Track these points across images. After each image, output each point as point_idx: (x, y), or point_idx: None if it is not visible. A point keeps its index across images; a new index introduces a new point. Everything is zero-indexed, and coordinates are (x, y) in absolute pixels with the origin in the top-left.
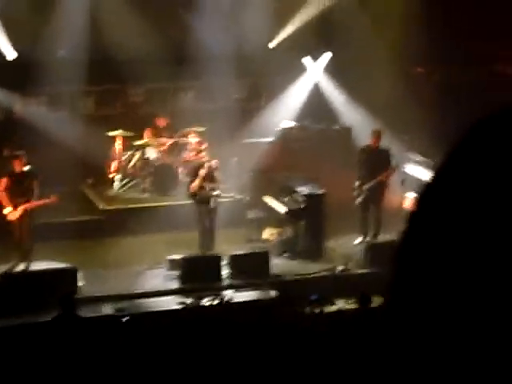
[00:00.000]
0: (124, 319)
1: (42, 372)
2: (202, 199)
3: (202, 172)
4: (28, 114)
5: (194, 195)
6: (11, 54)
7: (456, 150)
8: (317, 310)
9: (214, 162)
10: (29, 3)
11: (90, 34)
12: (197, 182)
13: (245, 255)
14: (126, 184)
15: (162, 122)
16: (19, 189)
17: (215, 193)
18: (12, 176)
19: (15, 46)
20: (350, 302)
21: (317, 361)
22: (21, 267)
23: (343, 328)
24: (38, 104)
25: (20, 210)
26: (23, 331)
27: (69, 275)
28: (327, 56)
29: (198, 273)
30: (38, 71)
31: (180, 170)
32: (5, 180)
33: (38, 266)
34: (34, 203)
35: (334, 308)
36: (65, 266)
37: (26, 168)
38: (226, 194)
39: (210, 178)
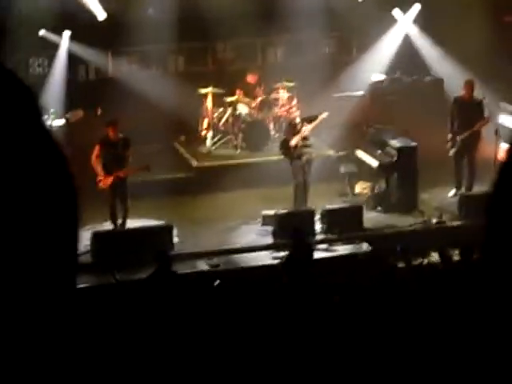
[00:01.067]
0: (216, 283)
1: (139, 328)
2: (296, 155)
3: (304, 130)
4: (120, 73)
5: (289, 151)
6: (102, 15)
7: None
8: (407, 263)
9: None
10: None
11: None
12: (297, 139)
13: (338, 209)
14: (217, 141)
15: (252, 79)
16: (113, 156)
17: (308, 149)
18: (106, 143)
19: (105, 6)
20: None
21: (413, 314)
22: (118, 225)
23: (441, 281)
24: (129, 63)
25: (112, 178)
26: (122, 288)
27: (165, 232)
28: (416, 7)
29: (291, 227)
30: (128, 31)
31: (271, 125)
32: (98, 147)
33: (134, 223)
34: (127, 171)
35: (430, 260)
36: (161, 223)
37: (120, 135)
38: (317, 150)
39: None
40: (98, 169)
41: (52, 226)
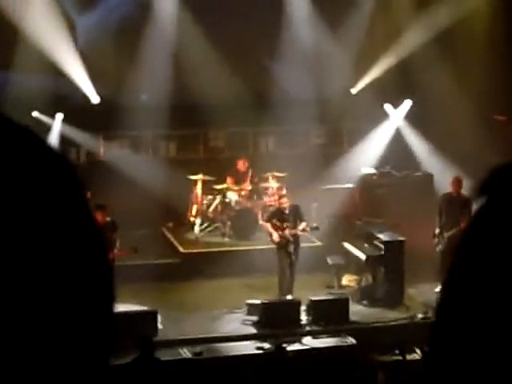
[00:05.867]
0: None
1: None
2: (282, 244)
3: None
4: (111, 157)
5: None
6: (95, 98)
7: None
8: (398, 358)
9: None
10: (113, 48)
11: (172, 79)
12: (281, 235)
13: (324, 301)
14: (206, 228)
15: (242, 166)
16: None
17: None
18: None
19: (98, 91)
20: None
21: None
22: None
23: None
24: (121, 147)
25: None
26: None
27: (149, 318)
28: (408, 103)
29: (277, 318)
30: (120, 115)
31: (260, 214)
32: None
33: (118, 308)
34: (114, 254)
35: (415, 356)
36: (145, 308)
37: (108, 219)
38: (305, 240)
39: (291, 220)
40: None
41: (89, 306)
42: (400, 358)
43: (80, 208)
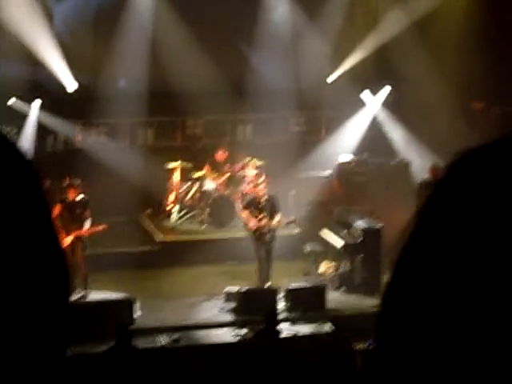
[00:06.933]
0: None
1: None
2: (259, 232)
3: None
4: (88, 145)
5: (251, 229)
6: (72, 86)
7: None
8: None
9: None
10: (90, 36)
11: (150, 67)
12: (257, 223)
13: (302, 289)
14: (183, 215)
15: (220, 152)
16: (71, 217)
17: (273, 225)
18: (64, 204)
19: (76, 78)
20: None
21: None
22: (79, 296)
23: None
24: (98, 134)
25: (70, 237)
26: (79, 361)
27: (126, 306)
28: (386, 90)
29: (254, 305)
30: (98, 102)
31: (237, 202)
32: (57, 207)
33: (95, 296)
34: (84, 231)
35: None
36: (122, 296)
37: (79, 197)
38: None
39: (268, 210)
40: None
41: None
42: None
43: (33, 198)
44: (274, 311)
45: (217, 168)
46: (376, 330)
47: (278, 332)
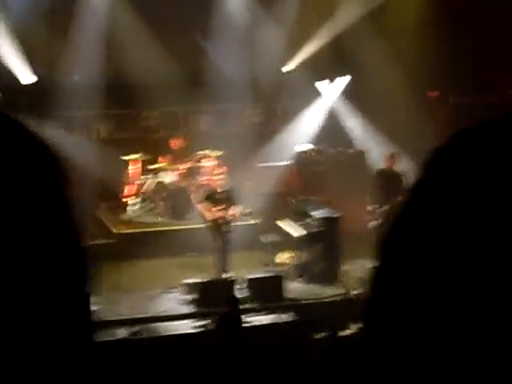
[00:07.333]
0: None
1: None
2: (216, 223)
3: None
4: (43, 138)
5: (208, 220)
6: (29, 78)
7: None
8: (330, 334)
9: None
10: (45, 28)
11: (105, 59)
12: (214, 214)
13: (259, 279)
14: (140, 208)
15: (176, 144)
16: None
17: (230, 216)
18: None
19: (32, 71)
20: None
21: None
22: None
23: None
24: (54, 128)
25: None
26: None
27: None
28: (343, 80)
29: (213, 296)
30: (53, 95)
31: (194, 193)
32: None
33: None
34: None
35: (347, 332)
36: None
37: None
38: (241, 219)
39: (224, 201)
40: None
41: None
42: (331, 334)
43: (54, 195)
44: (235, 297)
45: (173, 159)
46: (364, 314)
47: (240, 320)
